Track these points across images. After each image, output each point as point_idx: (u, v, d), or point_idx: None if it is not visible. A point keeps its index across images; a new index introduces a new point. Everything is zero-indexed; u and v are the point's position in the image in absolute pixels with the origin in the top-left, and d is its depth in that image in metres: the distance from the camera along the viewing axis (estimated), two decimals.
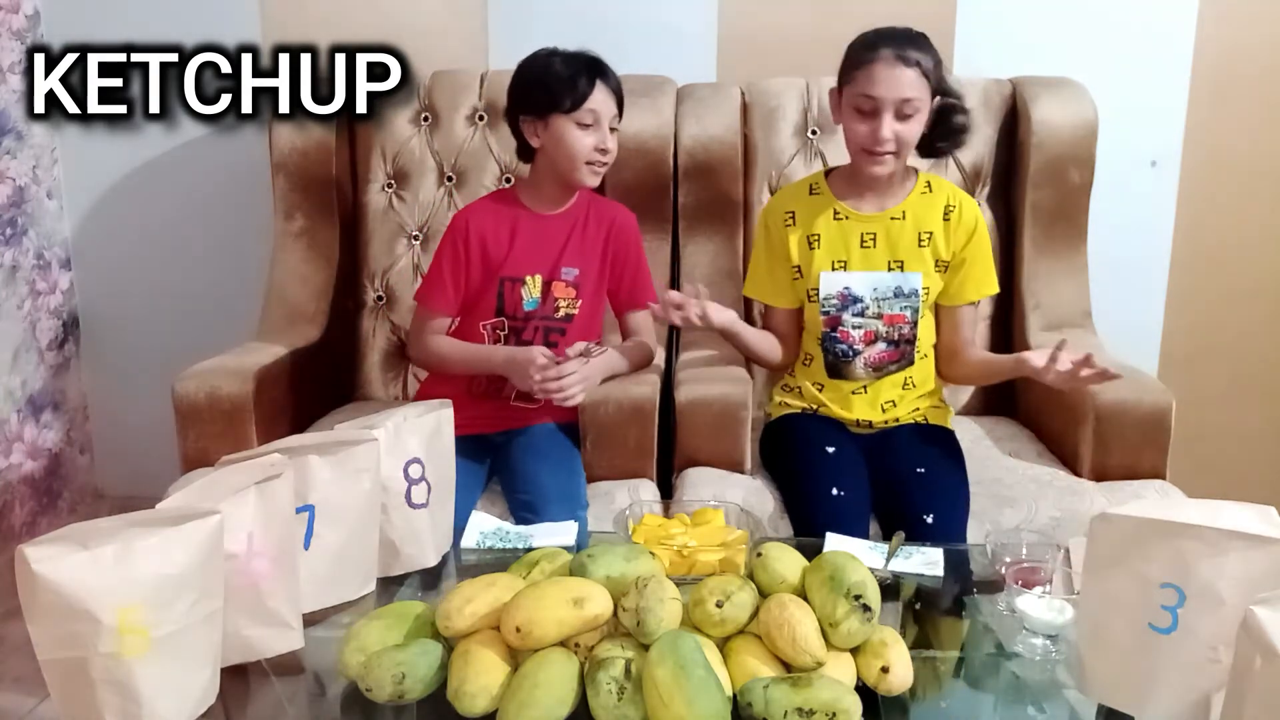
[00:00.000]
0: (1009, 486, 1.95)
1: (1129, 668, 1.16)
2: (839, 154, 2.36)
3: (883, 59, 1.82)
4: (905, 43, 1.83)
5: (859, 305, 1.95)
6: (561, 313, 2.01)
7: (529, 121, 1.96)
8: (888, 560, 1.57)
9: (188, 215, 2.75)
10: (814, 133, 2.40)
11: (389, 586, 1.51)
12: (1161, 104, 2.58)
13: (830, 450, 1.91)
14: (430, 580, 1.55)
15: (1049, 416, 2.18)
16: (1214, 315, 2.69)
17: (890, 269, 1.94)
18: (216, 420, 1.97)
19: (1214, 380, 2.70)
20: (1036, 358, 1.81)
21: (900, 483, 1.84)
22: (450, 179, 2.45)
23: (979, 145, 2.37)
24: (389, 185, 2.47)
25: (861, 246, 1.94)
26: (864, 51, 1.85)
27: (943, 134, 1.92)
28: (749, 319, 2.23)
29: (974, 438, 2.16)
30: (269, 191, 2.46)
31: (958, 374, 2.05)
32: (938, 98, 1.88)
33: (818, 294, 1.95)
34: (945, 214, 1.95)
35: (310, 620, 1.35)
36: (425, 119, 2.45)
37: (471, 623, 1.26)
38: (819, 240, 1.95)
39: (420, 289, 2.07)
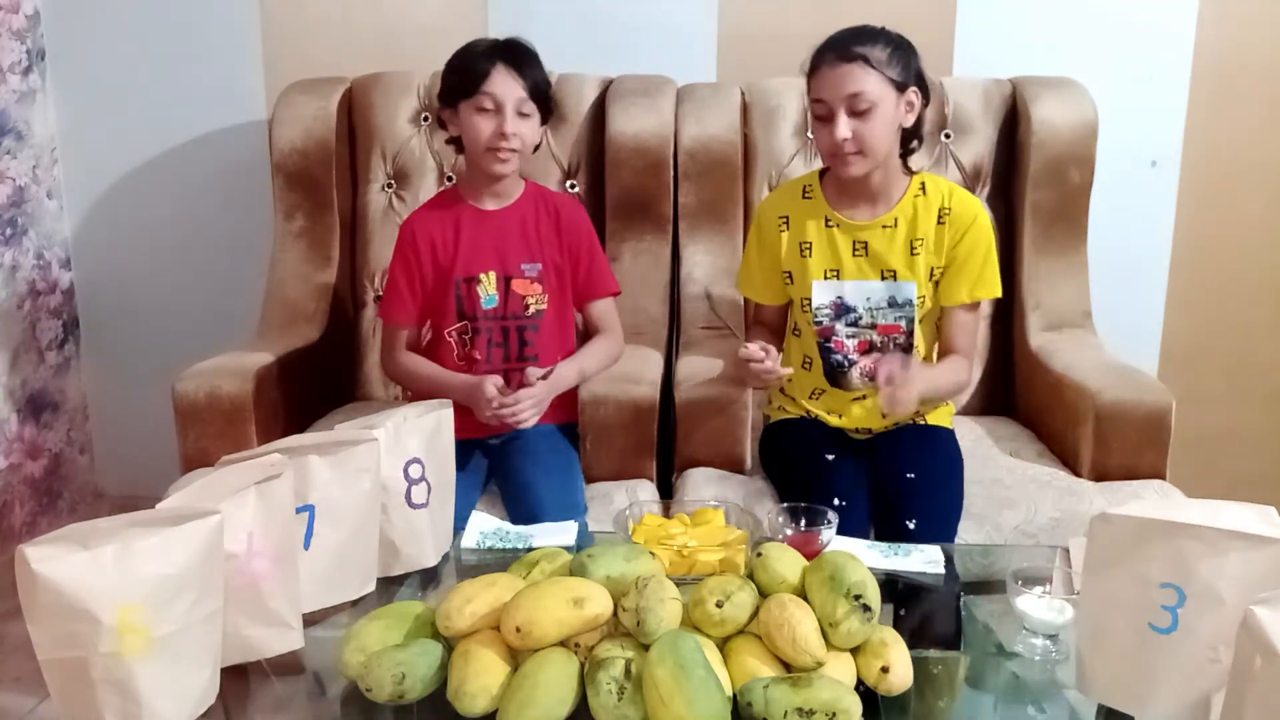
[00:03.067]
0: (1009, 487, 1.95)
1: (1129, 668, 1.16)
2: None
3: (826, 61, 1.79)
4: (850, 39, 1.79)
5: (852, 315, 1.92)
6: (531, 310, 2.00)
7: (446, 111, 1.97)
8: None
9: (188, 215, 2.75)
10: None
11: (389, 586, 1.51)
12: (1161, 104, 2.58)
13: (830, 458, 1.89)
14: (430, 580, 1.55)
15: (1049, 416, 2.18)
16: (1214, 315, 2.69)
17: (884, 278, 1.90)
18: (216, 420, 1.98)
19: (1214, 380, 2.70)
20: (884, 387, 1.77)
21: (891, 488, 1.83)
22: (450, 179, 2.45)
23: (979, 145, 2.37)
24: (389, 185, 2.47)
25: (854, 255, 1.90)
26: (813, 58, 1.82)
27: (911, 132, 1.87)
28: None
29: (974, 438, 2.16)
30: (269, 191, 2.46)
31: None
32: (912, 90, 1.81)
33: (810, 304, 1.93)
34: (939, 217, 1.90)
35: (310, 620, 1.35)
36: (425, 119, 2.45)
37: (471, 623, 1.26)
38: (810, 249, 1.92)
39: (380, 305, 2.05)
